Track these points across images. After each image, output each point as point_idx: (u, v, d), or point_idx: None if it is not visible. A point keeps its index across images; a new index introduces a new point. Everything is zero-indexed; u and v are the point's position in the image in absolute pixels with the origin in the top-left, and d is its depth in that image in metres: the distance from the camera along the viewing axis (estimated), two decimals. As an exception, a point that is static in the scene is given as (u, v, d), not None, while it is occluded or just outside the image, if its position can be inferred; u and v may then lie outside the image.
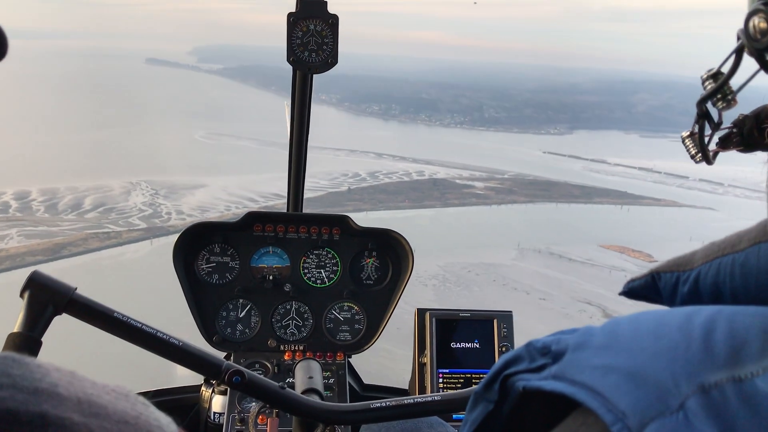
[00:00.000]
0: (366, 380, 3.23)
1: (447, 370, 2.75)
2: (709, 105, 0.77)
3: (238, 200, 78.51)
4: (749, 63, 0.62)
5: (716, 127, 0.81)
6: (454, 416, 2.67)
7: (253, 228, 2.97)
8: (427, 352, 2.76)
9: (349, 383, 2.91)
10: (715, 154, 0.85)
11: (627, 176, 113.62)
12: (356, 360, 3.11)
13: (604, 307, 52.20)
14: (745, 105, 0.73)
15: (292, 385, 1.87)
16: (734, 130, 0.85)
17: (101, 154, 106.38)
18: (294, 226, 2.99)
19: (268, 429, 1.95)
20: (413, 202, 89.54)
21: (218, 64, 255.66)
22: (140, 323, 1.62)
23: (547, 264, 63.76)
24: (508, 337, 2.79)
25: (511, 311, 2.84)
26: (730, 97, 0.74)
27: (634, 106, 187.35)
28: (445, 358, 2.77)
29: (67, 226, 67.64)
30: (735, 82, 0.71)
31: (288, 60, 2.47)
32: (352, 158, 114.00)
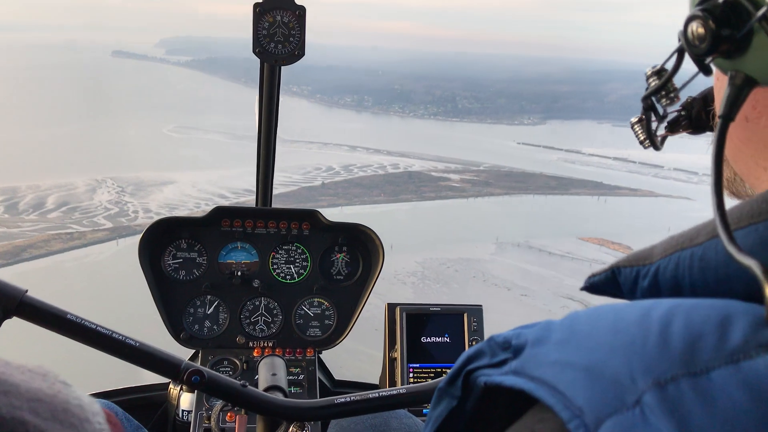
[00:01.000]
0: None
1: (417, 365, 2.74)
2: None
3: (208, 197, 76.18)
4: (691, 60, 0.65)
5: (662, 119, 0.82)
6: (424, 410, 2.67)
7: (221, 223, 2.89)
8: (398, 346, 2.75)
9: (321, 379, 2.90)
10: (664, 138, 0.86)
11: (602, 166, 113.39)
12: (329, 355, 3.03)
13: (587, 303, 51.22)
14: (691, 87, 0.75)
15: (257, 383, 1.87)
16: (682, 113, 0.86)
17: (65, 150, 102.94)
18: (263, 221, 2.92)
19: (236, 427, 1.91)
20: (389, 196, 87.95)
21: (187, 56, 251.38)
22: (95, 324, 1.58)
23: (526, 258, 62.68)
24: (478, 331, 2.79)
25: (481, 305, 2.80)
26: (672, 94, 0.77)
27: (606, 96, 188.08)
28: (416, 352, 2.76)
29: (28, 227, 64.82)
30: (679, 76, 0.72)
31: (254, 51, 2.42)
32: (325, 151, 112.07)
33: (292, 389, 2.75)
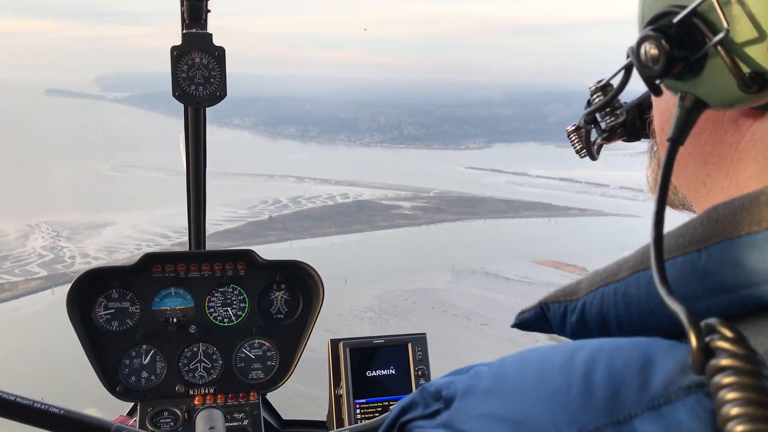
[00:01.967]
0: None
1: (364, 400, 2.69)
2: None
3: (149, 237, 72.82)
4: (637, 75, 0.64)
5: (603, 132, 0.83)
6: None
7: (153, 269, 2.81)
8: (343, 383, 2.70)
9: (268, 420, 2.84)
10: (600, 147, 0.86)
11: (550, 187, 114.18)
12: (276, 395, 2.95)
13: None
14: (624, 94, 0.73)
15: None
16: (617, 121, 0.85)
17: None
18: (196, 265, 2.85)
19: None
20: (340, 227, 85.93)
21: (124, 92, 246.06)
22: (14, 396, 1.53)
23: (483, 285, 61.46)
24: (423, 360, 2.74)
25: (424, 333, 2.77)
26: (618, 112, 0.76)
27: (548, 117, 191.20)
28: (362, 387, 2.71)
29: (-47, 280, 60.37)
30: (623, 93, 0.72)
31: (174, 95, 2.40)
32: (271, 184, 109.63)
33: None
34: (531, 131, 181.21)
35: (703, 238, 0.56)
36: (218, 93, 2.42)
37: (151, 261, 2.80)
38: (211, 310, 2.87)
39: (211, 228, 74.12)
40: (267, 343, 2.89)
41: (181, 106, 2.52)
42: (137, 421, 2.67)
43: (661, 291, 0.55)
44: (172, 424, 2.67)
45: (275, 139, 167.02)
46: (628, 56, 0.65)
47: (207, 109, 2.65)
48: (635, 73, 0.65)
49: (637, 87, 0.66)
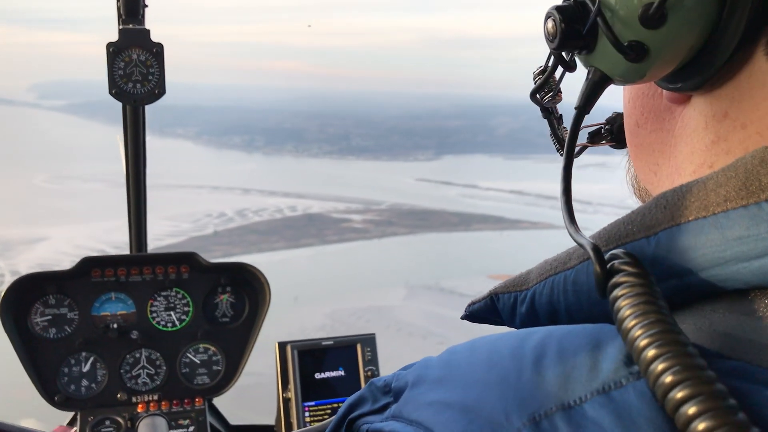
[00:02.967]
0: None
1: (313, 403, 2.69)
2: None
3: (86, 253, 66.48)
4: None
5: (558, 121, 0.85)
6: None
7: (91, 274, 2.79)
8: (291, 386, 2.71)
9: (215, 426, 2.82)
10: (583, 148, 0.88)
11: (500, 200, 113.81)
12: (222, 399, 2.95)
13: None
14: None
15: None
16: (606, 126, 0.88)
17: None
18: (137, 268, 2.83)
19: None
20: (288, 241, 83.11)
21: (62, 100, 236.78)
22: None
23: (438, 301, 59.69)
24: (372, 361, 2.76)
25: (374, 334, 2.76)
26: (554, 91, 0.79)
27: (495, 129, 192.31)
28: (310, 390, 2.72)
29: None
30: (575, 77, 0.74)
31: (110, 93, 2.36)
32: (216, 196, 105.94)
33: None
34: (479, 143, 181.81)
35: (651, 225, 0.57)
36: (157, 90, 2.36)
37: (89, 265, 2.75)
38: (154, 314, 2.83)
39: (152, 243, 69.19)
40: (212, 348, 2.86)
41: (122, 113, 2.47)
42: (77, 431, 2.58)
43: (570, 229, 0.59)
44: None
45: (220, 149, 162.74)
46: None
47: (147, 113, 2.60)
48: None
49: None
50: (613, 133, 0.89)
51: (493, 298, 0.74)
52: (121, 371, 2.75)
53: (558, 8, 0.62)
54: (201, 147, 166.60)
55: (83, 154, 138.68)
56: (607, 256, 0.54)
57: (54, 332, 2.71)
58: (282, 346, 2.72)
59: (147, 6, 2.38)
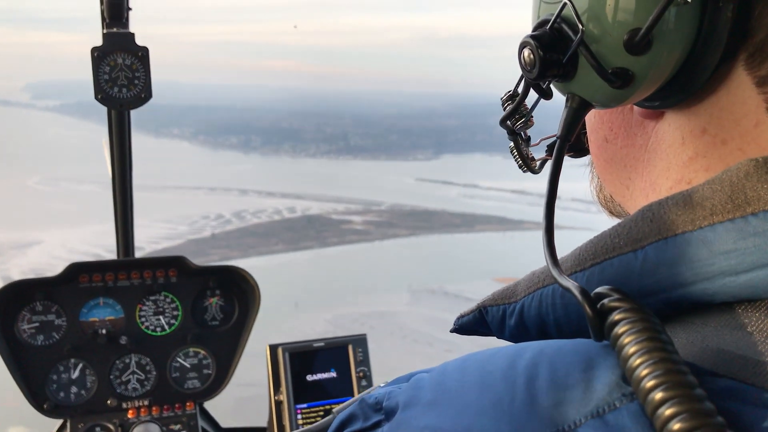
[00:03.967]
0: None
1: (305, 405, 2.70)
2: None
3: (80, 257, 65.73)
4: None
5: (527, 142, 0.86)
6: None
7: (79, 279, 2.77)
8: (283, 388, 2.70)
9: (206, 429, 2.84)
10: (544, 161, 0.89)
11: (502, 200, 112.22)
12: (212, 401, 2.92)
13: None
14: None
15: None
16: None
17: None
18: (125, 273, 2.82)
19: None
20: (288, 244, 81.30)
21: (55, 100, 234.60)
22: None
23: (443, 306, 57.96)
24: (364, 362, 2.76)
25: (365, 334, 2.77)
26: (525, 117, 0.80)
27: (493, 128, 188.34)
28: (302, 392, 2.72)
29: None
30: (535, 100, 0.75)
31: (96, 97, 2.36)
32: (213, 197, 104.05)
33: None
34: (477, 142, 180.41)
35: (638, 238, 0.56)
36: (143, 95, 2.35)
37: (77, 270, 2.74)
38: (143, 319, 2.82)
39: (148, 246, 68.62)
40: (202, 351, 2.86)
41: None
42: None
43: (554, 272, 0.58)
44: None
45: (217, 149, 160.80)
46: None
47: (143, 112, 2.59)
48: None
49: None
50: (569, 142, 0.84)
51: (481, 310, 0.74)
52: (111, 377, 2.75)
53: (534, 37, 0.62)
54: (197, 147, 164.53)
55: (76, 155, 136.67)
56: (593, 295, 0.53)
57: (42, 339, 2.70)
58: (273, 348, 2.70)
59: (131, 9, 2.35)
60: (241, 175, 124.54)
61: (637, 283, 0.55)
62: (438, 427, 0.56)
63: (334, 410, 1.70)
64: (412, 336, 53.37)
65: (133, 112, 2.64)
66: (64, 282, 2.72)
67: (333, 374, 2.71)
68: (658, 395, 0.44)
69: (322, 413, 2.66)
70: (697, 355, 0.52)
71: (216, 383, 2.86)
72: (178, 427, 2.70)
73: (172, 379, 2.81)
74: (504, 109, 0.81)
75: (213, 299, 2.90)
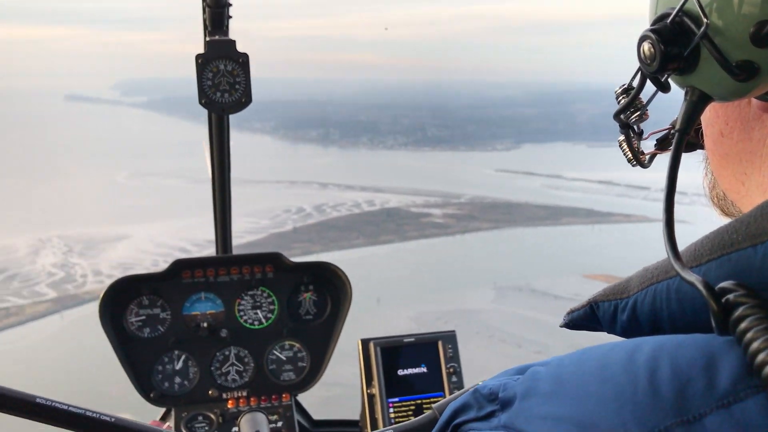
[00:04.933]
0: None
1: (397, 399, 2.75)
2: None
3: (167, 251, 67.84)
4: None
5: (639, 136, 0.85)
6: None
7: (182, 275, 2.91)
8: (375, 382, 2.77)
9: (300, 421, 2.93)
10: (653, 156, 0.88)
11: (588, 191, 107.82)
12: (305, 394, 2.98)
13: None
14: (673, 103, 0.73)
15: None
16: (672, 130, 0.87)
17: (6, 207, 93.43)
18: (224, 269, 2.95)
19: None
20: (368, 237, 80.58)
21: (143, 96, 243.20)
22: (66, 405, 1.58)
23: (531, 304, 55.63)
24: (454, 358, 2.80)
25: (454, 331, 2.82)
26: (641, 111, 0.78)
27: (576, 116, 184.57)
28: (394, 386, 2.77)
29: (-44, 305, 55.85)
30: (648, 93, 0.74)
31: (200, 102, 2.46)
32: (294, 191, 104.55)
33: None
34: (559, 131, 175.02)
35: (757, 234, 0.56)
36: (243, 99, 2.45)
37: (180, 267, 2.87)
38: (241, 313, 2.93)
39: (233, 240, 69.21)
40: (297, 345, 2.95)
41: (201, 109, 2.50)
42: (172, 426, 2.69)
43: (676, 266, 0.58)
44: (206, 428, 2.72)
45: (297, 143, 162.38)
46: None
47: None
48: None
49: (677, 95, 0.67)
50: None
51: (592, 305, 0.74)
52: (212, 368, 2.85)
53: (654, 31, 0.61)
54: (278, 141, 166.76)
55: (162, 150, 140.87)
56: (717, 289, 0.53)
57: (148, 331, 2.82)
58: (365, 343, 2.75)
59: (231, 17, 2.44)
60: (320, 169, 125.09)
61: (756, 278, 0.55)
62: (559, 416, 0.58)
63: (433, 406, 1.64)
64: (498, 336, 51.48)
65: None
66: (168, 278, 2.85)
67: (423, 369, 2.74)
68: None
69: (413, 408, 2.69)
70: None
71: (310, 376, 2.92)
72: (275, 417, 2.76)
73: (269, 371, 2.89)
74: (618, 103, 0.79)
75: (307, 294, 2.97)
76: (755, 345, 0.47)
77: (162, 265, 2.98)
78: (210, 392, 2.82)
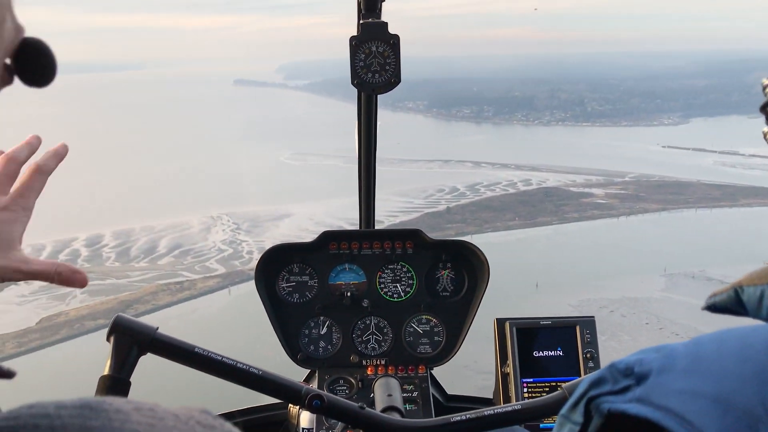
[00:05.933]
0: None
1: (531, 379, 2.75)
2: None
3: (325, 230, 70.05)
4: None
5: None
6: (541, 425, 2.71)
7: (329, 247, 3.05)
8: (509, 361, 2.78)
9: (434, 394, 2.97)
10: None
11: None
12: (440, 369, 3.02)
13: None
14: None
15: (373, 401, 2.03)
16: None
17: (182, 186, 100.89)
18: (368, 243, 3.07)
19: None
20: (524, 219, 78.24)
21: (304, 79, 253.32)
22: (220, 356, 1.73)
23: (707, 294, 50.75)
24: (591, 343, 2.76)
25: (593, 317, 2.79)
26: None
27: (752, 87, 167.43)
28: (529, 366, 2.78)
29: (137, 276, 61.10)
30: None
31: (352, 83, 2.54)
32: (446, 170, 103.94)
33: (407, 406, 2.75)
34: (733, 103, 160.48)
35: None
36: (393, 80, 2.50)
37: (327, 239, 3.02)
38: (382, 285, 3.05)
39: (386, 219, 70.12)
40: (434, 320, 3.02)
41: (355, 90, 2.59)
42: (315, 387, 2.74)
43: None
44: (347, 391, 2.83)
45: (450, 121, 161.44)
46: None
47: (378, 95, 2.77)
48: None
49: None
50: None
51: (737, 290, 0.72)
52: (353, 336, 2.97)
53: None
54: (431, 120, 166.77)
55: (322, 130, 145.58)
56: None
57: (297, 297, 3.00)
58: (500, 322, 2.78)
59: (384, 0, 2.51)
60: (474, 147, 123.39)
61: None
62: (697, 391, 0.58)
63: (563, 386, 1.69)
64: (671, 328, 47.82)
65: None
66: (316, 248, 3.01)
67: (559, 352, 2.73)
68: None
69: (547, 389, 2.68)
70: None
71: (446, 350, 2.98)
72: (410, 387, 2.84)
73: (406, 343, 2.98)
74: (765, 95, 0.75)
75: (445, 271, 3.03)
76: None
77: None
78: (351, 358, 2.94)
